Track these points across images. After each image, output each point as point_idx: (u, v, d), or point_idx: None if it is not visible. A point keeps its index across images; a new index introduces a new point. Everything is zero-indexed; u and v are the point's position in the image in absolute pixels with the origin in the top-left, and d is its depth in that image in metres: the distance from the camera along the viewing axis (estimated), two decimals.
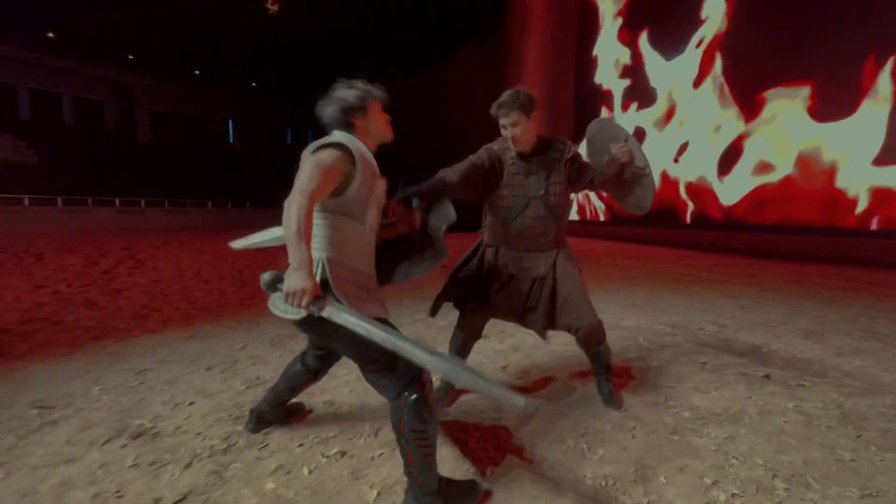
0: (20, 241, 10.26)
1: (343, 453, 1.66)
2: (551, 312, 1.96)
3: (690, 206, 10.53)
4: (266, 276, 1.26)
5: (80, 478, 1.50)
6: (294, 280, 1.17)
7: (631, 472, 1.56)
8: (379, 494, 1.43)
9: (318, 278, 1.29)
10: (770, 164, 8.75)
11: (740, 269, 6.89)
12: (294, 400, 1.91)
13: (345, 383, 2.33)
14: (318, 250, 1.35)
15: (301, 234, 1.18)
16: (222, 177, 26.74)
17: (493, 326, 3.51)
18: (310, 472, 1.54)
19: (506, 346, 3.04)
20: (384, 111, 1.54)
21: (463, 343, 2.18)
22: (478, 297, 2.04)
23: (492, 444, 1.74)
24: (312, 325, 1.30)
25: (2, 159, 20.81)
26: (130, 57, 25.52)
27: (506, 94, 1.86)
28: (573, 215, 14.40)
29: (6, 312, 3.90)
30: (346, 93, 1.45)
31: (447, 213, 1.69)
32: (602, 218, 13.61)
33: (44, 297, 4.51)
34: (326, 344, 1.61)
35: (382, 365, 1.31)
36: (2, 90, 24.17)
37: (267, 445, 1.71)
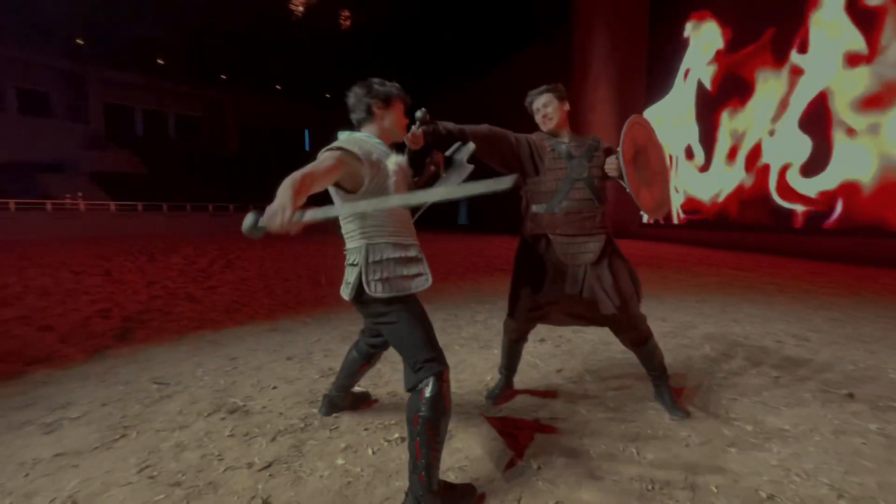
0: (136, 242, 11.86)
1: (403, 439, 1.84)
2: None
3: (780, 206, 9.63)
4: (247, 220, 1.15)
5: (191, 441, 1.81)
6: (274, 204, 1.13)
7: (680, 478, 1.57)
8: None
9: (360, 267, 1.46)
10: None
11: (834, 279, 6.22)
12: (361, 389, 2.13)
13: (398, 368, 2.52)
14: (358, 240, 1.50)
15: (293, 184, 1.17)
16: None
17: (552, 331, 3.55)
18: (373, 453, 1.73)
19: (561, 350, 3.07)
20: (405, 115, 1.68)
21: (510, 347, 2.22)
22: (534, 292, 2.03)
23: (541, 441, 1.83)
24: (367, 307, 1.50)
25: (121, 172, 24.08)
26: (223, 77, 28.30)
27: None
28: (645, 219, 13.75)
29: (129, 304, 4.60)
30: (377, 83, 1.61)
31: (463, 166, 1.82)
32: (676, 220, 12.83)
33: (156, 291, 5.25)
34: (376, 328, 1.75)
35: (413, 353, 1.44)
36: (122, 112, 27.94)
37: (337, 428, 1.93)
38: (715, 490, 1.51)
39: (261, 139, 32.55)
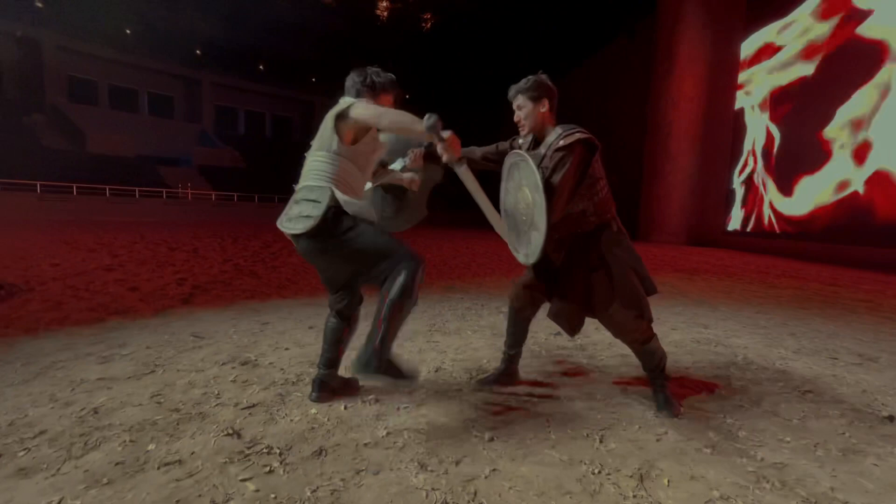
0: (226, 228, 13.34)
1: (377, 400, 1.97)
2: (575, 302, 1.93)
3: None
4: (429, 119, 1.56)
5: (200, 381, 2.10)
6: (449, 134, 1.60)
7: (634, 468, 1.52)
8: (388, 434, 1.69)
9: (324, 205, 1.66)
10: None
11: None
12: (349, 377, 2.07)
13: (406, 352, 2.65)
14: (326, 181, 1.72)
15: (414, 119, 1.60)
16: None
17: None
18: (345, 409, 1.88)
19: (573, 343, 3.00)
20: (392, 104, 1.88)
21: (509, 316, 2.19)
22: (531, 270, 2.07)
23: (506, 419, 1.85)
24: (326, 235, 1.68)
25: (223, 167, 27.07)
26: (314, 80, 30.61)
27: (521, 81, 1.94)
28: (735, 224, 12.49)
29: (201, 275, 5.27)
30: (371, 73, 1.85)
31: (436, 173, 2.08)
32: (777, 229, 11.51)
33: (227, 267, 5.93)
34: (324, 264, 1.86)
35: (383, 253, 1.67)
36: (228, 113, 31.38)
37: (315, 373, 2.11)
38: (665, 483, 1.44)
39: None
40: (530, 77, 1.94)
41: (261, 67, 29.37)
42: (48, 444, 1.53)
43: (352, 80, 1.86)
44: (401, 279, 1.63)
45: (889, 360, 2.90)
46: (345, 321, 1.99)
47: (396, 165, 2.06)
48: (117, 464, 1.42)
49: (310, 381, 2.16)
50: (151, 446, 1.53)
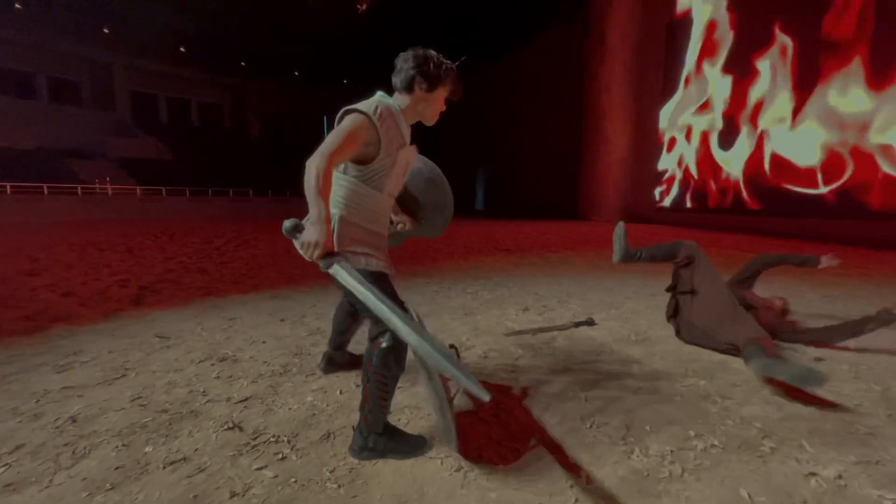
0: (159, 225, 12.37)
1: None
2: None
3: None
4: (287, 224, 1.35)
5: (181, 381, 2.02)
6: (310, 233, 1.27)
7: (620, 419, 1.69)
8: (390, 414, 1.73)
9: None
10: None
11: (849, 260, 6.09)
12: (357, 352, 2.09)
13: None
14: (336, 207, 1.44)
15: (319, 192, 1.27)
16: None
17: (539, 301, 3.67)
18: (341, 393, 1.90)
19: (543, 318, 3.19)
20: (448, 99, 1.58)
21: None
22: None
23: (502, 389, 1.96)
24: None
25: (146, 158, 24.88)
26: (243, 64, 28.73)
27: None
28: (667, 202, 13.51)
29: (144, 275, 4.90)
30: (433, 61, 1.48)
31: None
32: (689, 205, 12.56)
33: (171, 266, 5.55)
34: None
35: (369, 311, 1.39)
36: (147, 99, 28.73)
37: (313, 374, 2.11)
38: (648, 429, 1.62)
39: (281, 125, 33.01)
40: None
41: (182, 50, 27.05)
42: (30, 457, 1.42)
43: (406, 62, 1.48)
44: (383, 345, 1.39)
45: (803, 314, 3.35)
46: (351, 315, 1.98)
47: None
48: (117, 468, 1.36)
49: (297, 370, 2.15)
50: (148, 448, 1.48)
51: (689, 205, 12.68)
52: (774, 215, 9.82)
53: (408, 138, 1.54)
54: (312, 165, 1.29)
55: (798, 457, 1.45)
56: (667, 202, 13.52)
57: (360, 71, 30.93)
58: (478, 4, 21.40)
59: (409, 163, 1.57)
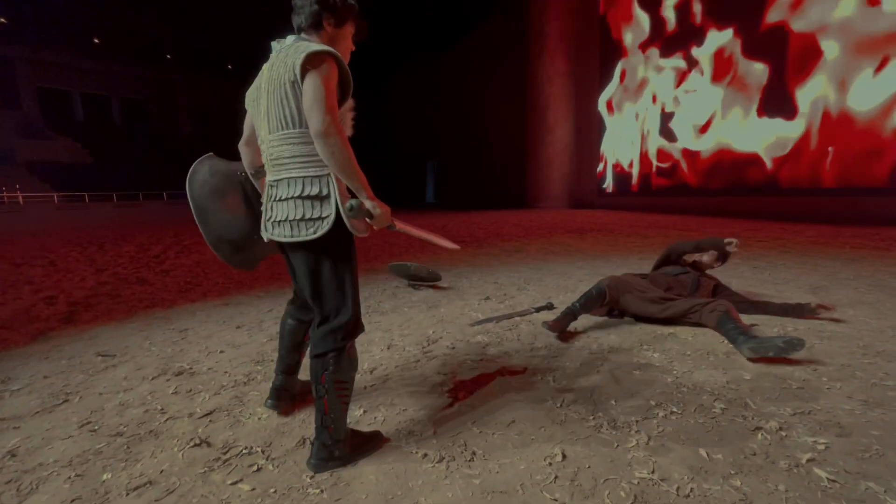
0: (84, 234, 11.32)
1: None
2: None
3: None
4: (353, 202, 1.29)
5: (135, 400, 1.88)
6: (376, 208, 1.29)
7: (587, 396, 1.78)
8: (365, 412, 1.73)
9: (333, 199, 1.29)
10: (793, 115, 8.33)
11: (769, 234, 6.72)
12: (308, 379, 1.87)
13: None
14: (317, 168, 1.30)
15: (354, 165, 1.23)
16: None
17: (499, 289, 3.75)
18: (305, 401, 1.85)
19: (504, 305, 3.26)
20: (354, 39, 1.48)
21: None
22: None
23: (471, 377, 2.00)
24: (309, 254, 1.35)
25: (61, 162, 22.62)
26: (168, 56, 26.73)
27: None
28: (606, 185, 14.16)
29: (75, 290, 4.49)
30: None
31: None
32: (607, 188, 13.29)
33: (105, 278, 5.12)
34: (302, 275, 1.41)
35: (329, 304, 1.37)
36: (58, 96, 26.03)
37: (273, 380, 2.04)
38: (614, 403, 1.72)
39: (215, 120, 31.11)
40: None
41: (95, 41, 24.67)
42: None
43: (304, 1, 1.34)
44: (335, 356, 1.35)
45: (737, 284, 3.66)
46: (306, 324, 1.71)
47: None
48: (73, 500, 1.26)
49: (262, 378, 2.08)
50: (106, 475, 1.37)
51: (610, 189, 13.43)
52: (710, 196, 10.60)
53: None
54: (332, 139, 1.19)
55: (744, 414, 1.59)
56: (607, 185, 14.20)
57: None
58: None
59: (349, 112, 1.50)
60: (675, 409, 1.64)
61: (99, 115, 27.52)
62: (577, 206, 14.82)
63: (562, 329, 2.47)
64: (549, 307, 3.07)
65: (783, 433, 1.46)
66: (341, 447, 1.38)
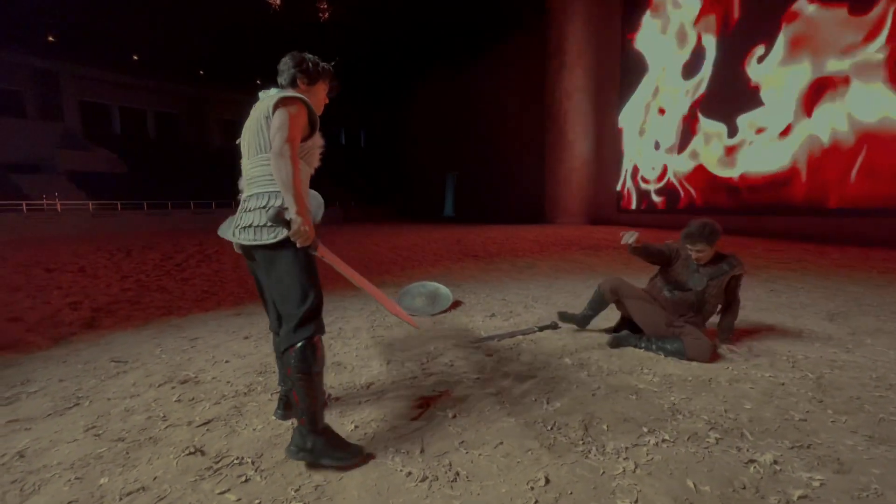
0: (113, 241, 11.80)
1: (338, 399, 2.01)
2: None
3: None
4: (272, 213, 1.43)
5: (139, 407, 1.96)
6: (299, 224, 1.41)
7: (578, 420, 1.76)
8: (356, 427, 1.75)
9: (276, 208, 1.45)
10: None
11: (791, 255, 6.51)
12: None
13: (353, 349, 2.69)
14: (273, 185, 1.53)
15: (295, 185, 1.42)
16: None
17: (505, 306, 3.74)
18: None
19: (510, 323, 3.26)
20: (328, 95, 1.80)
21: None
22: None
23: (465, 396, 2.00)
24: (269, 257, 1.51)
25: (99, 171, 23.72)
26: (202, 73, 27.91)
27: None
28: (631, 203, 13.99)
29: (99, 296, 4.69)
30: (310, 61, 1.68)
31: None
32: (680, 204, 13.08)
33: (128, 285, 5.33)
34: (265, 278, 1.62)
35: (288, 303, 1.48)
36: (98, 110, 27.42)
37: (277, 393, 2.09)
38: (605, 428, 1.70)
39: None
40: (706, 224, 2.45)
41: (135, 58, 25.98)
42: None
43: (286, 64, 1.67)
44: (298, 351, 1.46)
45: (751, 307, 3.57)
46: None
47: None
48: (69, 503, 1.32)
49: (262, 389, 2.13)
50: (103, 480, 1.43)
51: (634, 206, 13.24)
52: (731, 214, 10.36)
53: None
54: (286, 159, 1.44)
55: (739, 445, 1.55)
56: (629, 201, 14.03)
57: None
58: (442, 14, 21.64)
59: (322, 142, 1.75)
60: (667, 437, 1.61)
61: (135, 128, 28.82)
62: (597, 222, 14.65)
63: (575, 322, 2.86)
64: (554, 327, 3.05)
65: (777, 467, 1.42)
66: (313, 439, 1.48)
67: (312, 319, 1.50)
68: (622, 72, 14.15)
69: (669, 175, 12.24)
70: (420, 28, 23.32)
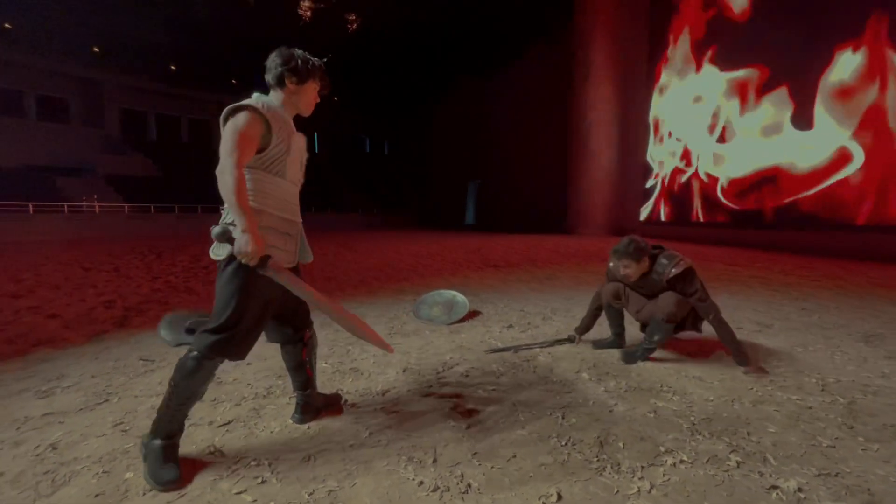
0: (146, 243, 12.28)
1: (354, 405, 2.03)
2: None
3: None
4: (216, 230, 1.42)
5: None
6: (243, 242, 1.37)
7: (594, 437, 1.74)
8: (371, 434, 1.77)
9: (224, 224, 1.47)
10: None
11: (825, 272, 6.26)
12: (331, 392, 2.10)
13: (371, 356, 2.72)
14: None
15: (239, 200, 1.37)
16: (310, 184, 29.31)
17: (523, 317, 3.72)
18: (322, 416, 1.92)
19: (527, 335, 3.24)
20: (319, 93, 1.71)
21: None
22: None
23: (481, 407, 2.00)
24: (219, 271, 1.50)
25: (134, 175, 24.76)
26: (234, 82, 28.92)
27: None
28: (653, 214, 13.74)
29: (131, 296, 4.88)
30: (299, 58, 1.60)
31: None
32: (702, 218, 12.82)
33: (158, 286, 5.53)
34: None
35: (213, 316, 1.49)
36: (137, 116, 28.71)
37: (294, 397, 2.13)
38: (622, 446, 1.67)
39: None
40: (632, 240, 2.45)
41: (173, 68, 27.15)
42: (10, 485, 1.43)
43: (273, 61, 1.59)
44: (183, 361, 1.48)
45: (780, 326, 3.45)
46: (296, 341, 1.83)
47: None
48: (97, 495, 1.38)
49: (281, 392, 2.18)
50: (129, 474, 1.49)
51: (663, 217, 12.96)
52: (759, 228, 10.04)
53: (293, 127, 1.65)
54: (225, 174, 1.39)
55: (762, 470, 1.50)
56: (646, 214, 13.76)
57: (355, 88, 31.28)
58: (468, 23, 21.88)
59: (302, 150, 1.69)
60: (685, 458, 1.58)
61: (169, 134, 30.03)
62: (620, 234, 14.41)
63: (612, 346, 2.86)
64: (571, 340, 3.01)
65: (802, 495, 1.37)
66: (150, 443, 1.46)
67: (216, 338, 1.46)
68: (647, 83, 13.98)
69: (703, 177, 11.94)
70: (446, 39, 23.61)
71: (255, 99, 1.56)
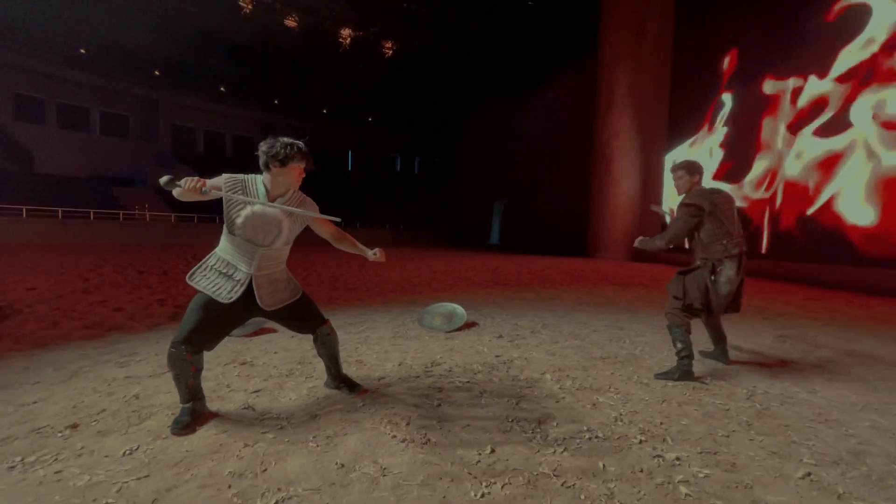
0: (189, 249, 13.41)
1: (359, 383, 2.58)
2: None
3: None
4: (164, 178, 1.89)
5: (210, 377, 2.64)
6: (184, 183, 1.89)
7: (535, 417, 2.22)
8: (364, 405, 2.31)
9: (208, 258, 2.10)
10: None
11: (829, 305, 6.40)
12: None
13: (375, 352, 3.28)
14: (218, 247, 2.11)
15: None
16: (343, 200, 30.70)
17: (514, 330, 4.19)
18: (328, 389, 2.48)
19: (513, 344, 3.72)
20: (304, 170, 2.10)
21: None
22: None
23: (452, 390, 2.51)
24: None
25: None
26: (276, 102, 30.89)
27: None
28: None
29: (179, 296, 5.64)
30: (279, 147, 1.97)
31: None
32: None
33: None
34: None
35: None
36: (186, 132, 30.98)
37: (313, 376, 2.71)
38: (555, 425, 2.15)
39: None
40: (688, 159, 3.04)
41: (222, 89, 29.36)
42: (111, 417, 2.05)
43: (260, 149, 1.96)
44: (169, 350, 2.00)
45: (745, 352, 3.78)
46: (314, 339, 2.35)
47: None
48: (167, 426, 1.98)
49: (299, 374, 2.76)
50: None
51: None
52: (780, 259, 10.11)
53: (262, 200, 2.01)
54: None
55: (657, 446, 1.95)
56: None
57: (386, 112, 32.81)
58: (498, 50, 22.83)
59: (264, 216, 2.02)
60: (600, 435, 2.03)
61: (215, 149, 32.21)
62: (639, 260, 14.58)
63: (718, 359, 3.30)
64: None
65: (678, 462, 1.81)
66: (181, 411, 2.00)
67: (179, 337, 1.99)
68: (671, 114, 14.30)
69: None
70: (477, 64, 24.61)
71: (241, 176, 2.06)
